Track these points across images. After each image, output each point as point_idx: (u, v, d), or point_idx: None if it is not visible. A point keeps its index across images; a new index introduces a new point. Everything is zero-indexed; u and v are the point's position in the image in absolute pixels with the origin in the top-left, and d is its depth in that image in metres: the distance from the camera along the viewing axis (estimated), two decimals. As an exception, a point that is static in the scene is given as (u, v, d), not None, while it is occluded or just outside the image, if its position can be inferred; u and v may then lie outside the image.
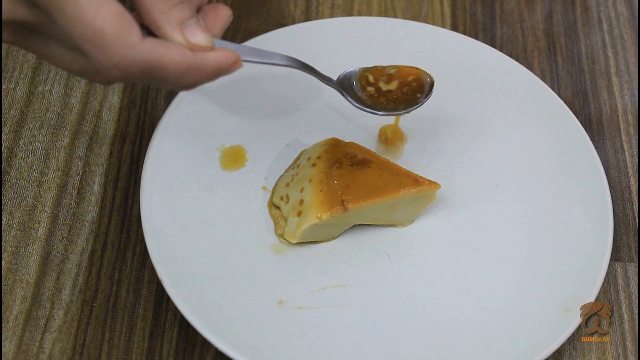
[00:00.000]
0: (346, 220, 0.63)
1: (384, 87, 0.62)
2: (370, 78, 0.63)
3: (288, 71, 0.71)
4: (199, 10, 0.51)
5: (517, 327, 0.59)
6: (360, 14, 0.79)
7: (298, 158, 0.68)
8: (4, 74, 0.73)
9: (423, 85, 0.63)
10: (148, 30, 0.47)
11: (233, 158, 0.68)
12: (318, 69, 0.72)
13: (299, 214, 0.63)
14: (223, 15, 0.52)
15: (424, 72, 0.63)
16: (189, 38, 0.48)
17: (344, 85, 0.62)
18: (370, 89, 0.63)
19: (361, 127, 0.71)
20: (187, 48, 0.47)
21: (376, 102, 0.63)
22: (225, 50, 0.49)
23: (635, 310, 0.64)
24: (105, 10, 0.44)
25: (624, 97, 0.76)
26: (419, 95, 0.63)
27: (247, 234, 0.64)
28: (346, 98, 0.62)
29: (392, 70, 0.63)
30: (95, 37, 0.44)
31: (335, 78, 0.63)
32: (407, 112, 0.62)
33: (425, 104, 0.71)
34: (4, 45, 0.74)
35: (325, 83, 0.61)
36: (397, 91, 0.63)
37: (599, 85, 0.77)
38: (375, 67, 0.64)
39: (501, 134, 0.70)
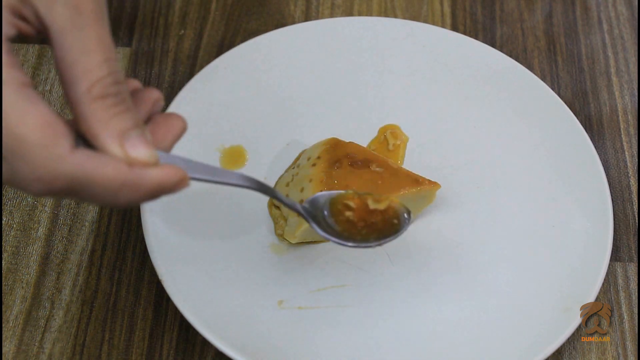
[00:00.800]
0: (346, 220, 0.63)
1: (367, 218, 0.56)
2: (351, 204, 0.56)
3: (288, 71, 0.71)
4: (149, 119, 0.45)
5: (517, 327, 0.59)
6: (360, 14, 0.79)
7: (298, 158, 0.68)
8: (4, 74, 0.73)
9: (398, 214, 0.57)
10: (85, 139, 0.42)
11: (233, 158, 0.68)
12: (318, 68, 0.72)
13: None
14: (176, 126, 0.46)
15: (400, 203, 0.57)
16: (128, 151, 0.42)
17: (311, 210, 0.56)
18: (349, 214, 0.56)
19: (361, 127, 0.70)
20: (124, 163, 0.41)
21: (348, 228, 0.56)
22: (170, 167, 0.43)
23: (635, 310, 0.64)
24: (30, 117, 0.39)
25: (624, 97, 0.76)
26: (395, 221, 0.56)
27: (247, 234, 0.64)
28: (311, 224, 0.55)
29: (374, 205, 0.56)
30: (17, 145, 0.39)
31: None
32: (380, 245, 0.56)
33: (425, 104, 0.71)
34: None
35: (287, 207, 0.55)
36: (377, 220, 0.57)
37: (599, 85, 0.77)
38: (353, 193, 0.57)
39: (501, 134, 0.70)
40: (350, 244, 0.55)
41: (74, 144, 0.41)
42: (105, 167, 0.41)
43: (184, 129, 0.46)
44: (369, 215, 0.56)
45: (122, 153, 0.42)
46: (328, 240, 0.55)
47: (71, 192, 0.41)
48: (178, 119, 0.46)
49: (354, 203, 0.56)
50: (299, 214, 0.55)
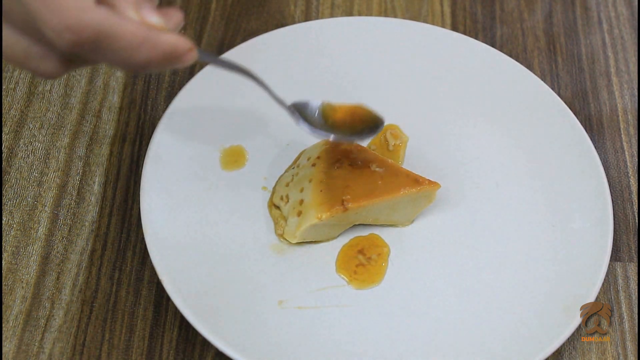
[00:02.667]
0: (346, 220, 0.63)
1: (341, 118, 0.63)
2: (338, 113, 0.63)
3: (288, 72, 0.71)
4: None
5: (517, 327, 0.59)
6: (360, 14, 0.79)
7: (298, 158, 0.68)
8: (4, 74, 0.73)
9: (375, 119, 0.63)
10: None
11: (233, 158, 0.68)
12: (318, 69, 0.72)
13: (299, 213, 0.63)
14: (174, 18, 0.49)
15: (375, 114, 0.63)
16: (144, 16, 0.46)
17: (298, 108, 0.61)
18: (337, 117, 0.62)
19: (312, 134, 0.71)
20: (143, 24, 0.45)
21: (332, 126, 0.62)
22: (180, 36, 0.47)
23: (635, 310, 0.64)
24: None
25: (624, 97, 0.76)
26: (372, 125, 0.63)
27: (247, 234, 0.64)
28: (299, 121, 0.61)
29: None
30: None
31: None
32: (360, 139, 0.63)
33: (425, 104, 0.71)
34: (4, 45, 0.74)
35: (277, 101, 0.60)
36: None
37: (599, 85, 0.77)
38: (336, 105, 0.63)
39: (501, 134, 0.70)
40: (332, 136, 0.61)
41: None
42: (128, 23, 0.44)
43: (182, 20, 0.50)
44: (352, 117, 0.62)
45: (138, 17, 0.45)
46: (314, 134, 0.61)
47: (96, 44, 0.43)
48: (176, 11, 0.49)
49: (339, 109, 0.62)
50: (288, 111, 0.60)
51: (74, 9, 0.42)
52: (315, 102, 0.62)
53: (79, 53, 0.44)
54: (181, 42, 0.46)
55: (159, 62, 0.46)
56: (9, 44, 0.45)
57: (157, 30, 0.45)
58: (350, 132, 0.62)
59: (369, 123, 0.63)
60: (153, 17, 0.46)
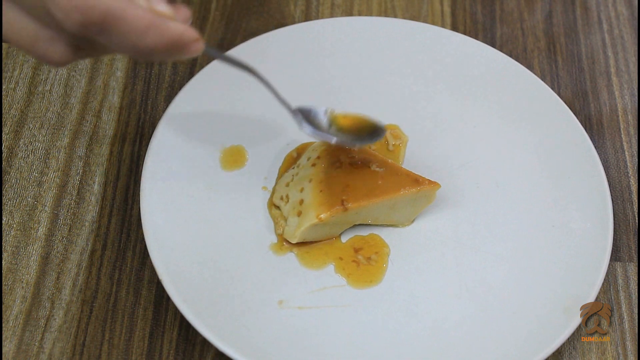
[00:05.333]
0: (346, 220, 0.63)
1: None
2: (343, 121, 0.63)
3: (288, 72, 0.71)
4: None
5: (517, 327, 0.59)
6: (360, 14, 0.79)
7: (298, 158, 0.68)
8: (4, 74, 0.73)
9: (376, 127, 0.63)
10: None
11: (233, 158, 0.68)
12: (319, 69, 0.72)
13: (299, 213, 0.63)
14: (183, 11, 0.49)
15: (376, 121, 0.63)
16: (152, 4, 0.46)
17: (302, 111, 0.62)
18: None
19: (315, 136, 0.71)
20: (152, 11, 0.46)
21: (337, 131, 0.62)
22: (189, 26, 0.47)
23: (635, 310, 0.64)
24: None
25: (624, 97, 0.76)
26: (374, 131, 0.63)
27: (247, 233, 0.64)
28: (299, 123, 0.61)
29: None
30: None
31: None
32: (362, 145, 0.63)
33: (425, 104, 0.71)
34: (4, 45, 0.74)
35: (281, 103, 0.60)
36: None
37: (599, 85, 0.77)
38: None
39: (501, 134, 0.70)
40: (335, 139, 0.61)
41: None
42: (137, 7, 0.44)
43: (190, 15, 0.49)
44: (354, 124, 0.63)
45: (148, 5, 0.46)
46: (316, 136, 0.61)
47: (104, 26, 0.43)
48: (184, 7, 0.49)
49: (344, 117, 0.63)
50: (291, 113, 0.60)
51: None
52: (320, 107, 0.62)
53: (87, 36, 0.44)
54: (188, 32, 0.47)
55: (165, 49, 0.46)
56: (17, 27, 0.45)
57: (165, 18, 0.46)
58: (352, 137, 0.62)
59: (371, 130, 0.63)
60: (162, 6, 0.47)
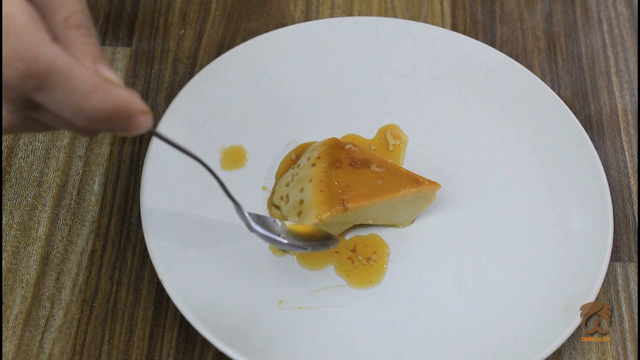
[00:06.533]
0: (346, 220, 0.63)
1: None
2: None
3: (288, 71, 0.71)
4: None
5: (517, 327, 0.59)
6: (360, 14, 0.79)
7: (298, 158, 0.68)
8: (4, 74, 0.73)
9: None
10: None
11: (233, 158, 0.68)
12: (319, 69, 0.72)
13: (299, 214, 0.63)
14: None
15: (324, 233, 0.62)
16: (101, 70, 0.44)
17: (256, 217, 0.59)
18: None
19: (361, 127, 0.71)
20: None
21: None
22: (137, 97, 0.45)
23: (635, 310, 0.64)
24: (20, 2, 0.41)
25: (624, 97, 0.76)
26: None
27: (247, 233, 0.64)
28: (248, 224, 0.59)
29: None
30: (7, 22, 0.40)
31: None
32: (313, 249, 0.60)
33: (425, 104, 0.72)
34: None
35: (228, 198, 0.57)
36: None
37: (599, 85, 0.77)
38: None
39: (501, 134, 0.70)
40: (286, 241, 0.59)
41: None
42: (83, 68, 0.42)
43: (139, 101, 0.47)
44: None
45: (95, 69, 0.44)
46: (267, 240, 0.59)
47: (47, 81, 0.41)
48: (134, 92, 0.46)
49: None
50: (239, 211, 0.58)
51: (30, 38, 0.41)
52: (270, 217, 0.61)
53: (27, 93, 0.42)
54: (135, 102, 0.44)
55: (109, 116, 0.43)
56: None
57: (111, 83, 0.44)
58: (303, 243, 0.59)
59: (323, 238, 0.61)
60: (109, 72, 0.44)
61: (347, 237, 0.65)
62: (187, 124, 0.67)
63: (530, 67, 0.76)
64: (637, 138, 0.73)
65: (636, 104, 0.75)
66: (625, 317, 0.64)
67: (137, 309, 0.62)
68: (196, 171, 0.66)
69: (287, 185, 0.65)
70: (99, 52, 0.44)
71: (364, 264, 0.63)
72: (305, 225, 0.61)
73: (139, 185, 0.63)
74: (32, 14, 0.41)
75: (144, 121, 0.45)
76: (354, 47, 0.73)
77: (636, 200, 0.70)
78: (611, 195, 0.64)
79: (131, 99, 0.44)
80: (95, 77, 0.43)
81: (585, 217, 0.64)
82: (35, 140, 0.69)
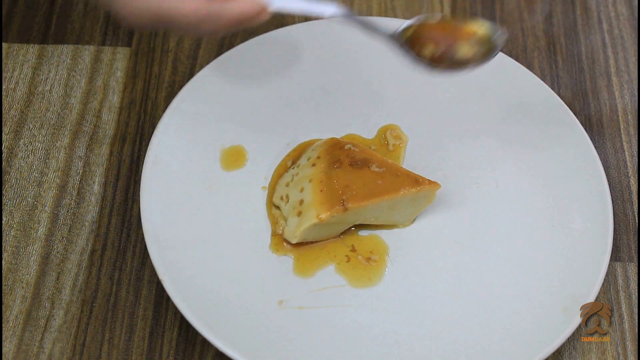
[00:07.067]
0: (346, 220, 0.63)
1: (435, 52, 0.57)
2: (425, 38, 0.57)
3: (288, 71, 0.71)
4: None
5: (517, 327, 0.59)
6: (360, 14, 0.79)
7: (298, 157, 0.68)
8: (4, 74, 0.73)
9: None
10: None
11: (233, 158, 0.68)
12: (319, 69, 0.72)
13: (299, 214, 0.62)
14: None
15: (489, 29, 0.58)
16: None
17: (397, 41, 0.57)
18: (426, 51, 0.57)
19: (361, 127, 0.70)
20: None
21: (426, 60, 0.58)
22: (249, 0, 0.49)
23: (635, 310, 0.64)
24: None
25: (624, 97, 0.76)
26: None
27: (247, 233, 0.64)
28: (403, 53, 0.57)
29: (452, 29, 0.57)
30: None
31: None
32: (465, 71, 0.57)
33: (425, 104, 0.71)
34: (4, 45, 0.74)
35: (376, 36, 0.56)
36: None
37: (599, 85, 0.77)
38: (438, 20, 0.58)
39: (501, 134, 0.70)
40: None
41: None
42: (186, 4, 0.47)
43: None
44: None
45: None
46: (415, 66, 0.56)
47: (160, 24, 0.48)
48: None
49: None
50: (389, 40, 0.57)
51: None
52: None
53: (161, 29, 0.50)
54: (248, 8, 0.49)
55: (228, 29, 0.49)
56: None
57: (220, 3, 0.48)
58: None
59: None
60: None
61: (347, 237, 0.65)
62: (187, 124, 0.67)
63: (530, 67, 0.76)
64: (637, 138, 0.73)
65: (636, 104, 0.75)
66: (625, 317, 0.64)
67: (137, 309, 0.62)
68: (196, 171, 0.66)
69: (287, 185, 0.65)
70: None
71: (364, 264, 0.63)
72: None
73: (139, 185, 0.63)
74: None
75: (263, 17, 0.50)
76: (354, 47, 0.72)
77: (636, 200, 0.70)
78: (611, 195, 0.64)
79: (243, 10, 0.48)
80: (202, 9, 0.47)
81: (585, 217, 0.64)
82: (35, 141, 0.69)
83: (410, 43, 0.57)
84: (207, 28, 0.48)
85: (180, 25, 0.48)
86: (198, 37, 0.50)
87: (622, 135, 0.73)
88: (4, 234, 0.64)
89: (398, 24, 0.73)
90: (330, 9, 0.53)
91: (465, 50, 0.57)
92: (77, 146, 0.69)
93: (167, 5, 0.47)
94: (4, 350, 0.60)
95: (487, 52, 0.57)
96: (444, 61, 0.57)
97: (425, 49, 0.57)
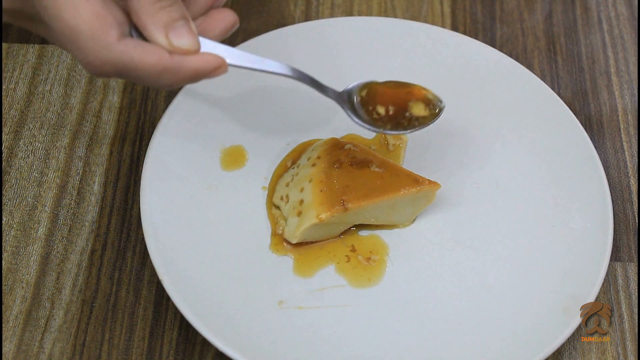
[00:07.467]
0: (346, 220, 0.63)
1: (388, 110, 0.61)
2: (377, 98, 0.61)
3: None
4: (206, 12, 0.53)
5: (517, 327, 0.59)
6: (360, 14, 0.79)
7: (298, 157, 0.68)
8: (4, 74, 0.73)
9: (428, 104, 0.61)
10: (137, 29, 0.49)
11: (233, 158, 0.68)
12: (319, 69, 0.72)
13: (299, 214, 0.63)
14: (226, 19, 0.53)
15: (435, 96, 0.61)
16: (172, 40, 0.49)
17: (344, 98, 0.61)
18: (380, 109, 0.61)
19: (361, 127, 0.70)
20: (167, 51, 0.48)
21: (375, 119, 0.60)
22: (209, 55, 0.50)
23: (635, 310, 0.64)
24: (83, 10, 0.46)
25: (624, 97, 0.76)
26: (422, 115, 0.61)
27: (247, 233, 0.64)
28: (346, 112, 0.60)
29: (403, 91, 0.62)
30: (72, 35, 0.47)
31: (340, 86, 0.61)
32: (412, 132, 0.61)
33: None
34: (4, 45, 0.74)
35: (324, 94, 0.60)
36: (399, 111, 0.61)
37: (599, 85, 0.77)
38: (386, 83, 0.62)
39: (501, 134, 0.70)
40: (388, 131, 0.60)
41: (123, 33, 0.48)
42: (148, 55, 0.48)
43: (234, 23, 0.54)
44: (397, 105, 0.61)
45: (166, 42, 0.49)
46: (360, 125, 0.59)
47: (120, 74, 0.49)
48: (230, 13, 0.54)
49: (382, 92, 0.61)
50: (332, 99, 0.60)
51: (94, 47, 0.47)
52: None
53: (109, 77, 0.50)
54: (206, 63, 0.50)
55: (188, 82, 0.50)
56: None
57: (180, 57, 0.49)
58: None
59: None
60: (183, 40, 0.49)
61: (347, 237, 0.65)
62: (187, 124, 0.67)
63: (530, 67, 0.76)
64: (637, 138, 0.73)
65: (636, 104, 0.75)
66: (625, 317, 0.64)
67: (137, 309, 0.62)
68: (196, 171, 0.66)
69: (287, 185, 0.65)
70: (174, 14, 0.49)
71: (364, 264, 0.63)
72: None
73: (139, 185, 0.63)
74: (96, 21, 0.47)
75: (220, 72, 0.51)
76: (354, 47, 0.73)
77: (636, 200, 0.70)
78: (611, 195, 0.64)
79: (201, 65, 0.50)
80: (162, 60, 0.48)
81: (585, 217, 0.64)
82: (35, 141, 0.69)
83: (363, 102, 0.61)
84: (167, 80, 0.49)
85: (140, 77, 0.49)
86: (159, 88, 0.51)
87: (622, 135, 0.73)
88: (4, 234, 0.64)
89: (397, 25, 0.73)
90: (281, 68, 0.56)
91: (417, 110, 0.61)
92: (77, 146, 0.69)
93: (128, 58, 0.47)
94: (4, 350, 0.60)
95: (434, 114, 0.61)
96: (397, 120, 0.60)
97: (380, 107, 0.60)
